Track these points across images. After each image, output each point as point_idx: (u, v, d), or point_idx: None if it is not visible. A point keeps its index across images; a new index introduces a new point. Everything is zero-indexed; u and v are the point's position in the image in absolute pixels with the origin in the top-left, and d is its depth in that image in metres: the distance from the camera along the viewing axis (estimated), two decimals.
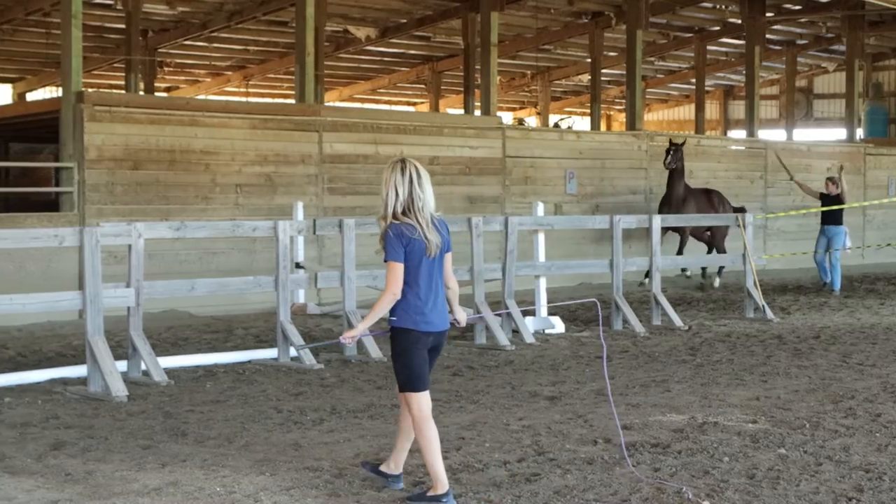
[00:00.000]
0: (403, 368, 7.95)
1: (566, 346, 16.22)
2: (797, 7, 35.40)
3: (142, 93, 31.37)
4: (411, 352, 7.93)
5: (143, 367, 13.23)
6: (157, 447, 9.73)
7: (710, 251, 25.86)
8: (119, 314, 14.13)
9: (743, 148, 32.58)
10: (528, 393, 12.46)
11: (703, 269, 25.41)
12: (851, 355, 15.27)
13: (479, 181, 24.71)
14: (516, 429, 10.45)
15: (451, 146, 24.26)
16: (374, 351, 14.70)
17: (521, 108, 49.36)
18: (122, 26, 29.75)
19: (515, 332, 16.69)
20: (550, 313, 18.00)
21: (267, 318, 18.61)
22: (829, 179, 24.71)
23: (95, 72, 35.55)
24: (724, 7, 34.77)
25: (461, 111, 34.67)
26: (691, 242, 25.69)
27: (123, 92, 31.03)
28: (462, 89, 34.09)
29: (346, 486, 8.35)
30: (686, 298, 23.08)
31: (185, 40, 32.96)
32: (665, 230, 22.03)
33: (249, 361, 14.59)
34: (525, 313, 17.16)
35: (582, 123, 48.06)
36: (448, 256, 8.11)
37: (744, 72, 36.15)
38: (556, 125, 42.90)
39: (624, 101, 35.84)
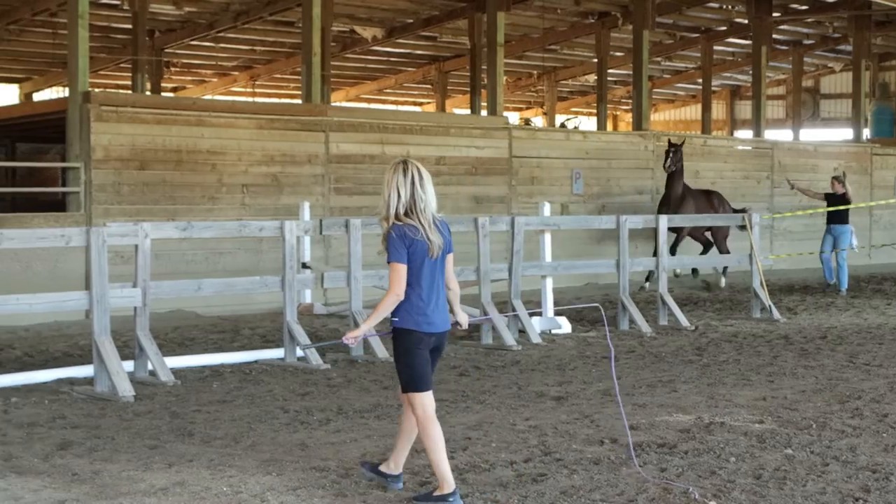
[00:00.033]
0: (406, 369, 7.96)
1: (573, 347, 16.22)
2: (804, 7, 35.37)
3: (148, 93, 31.38)
4: (413, 352, 7.93)
5: (150, 367, 13.24)
6: (164, 447, 9.74)
7: (704, 251, 25.82)
8: (126, 314, 14.14)
9: (749, 148, 32.56)
10: (535, 393, 12.46)
11: (694, 269, 25.32)
12: (858, 355, 15.25)
13: (485, 181, 24.71)
14: (523, 429, 10.45)
15: (458, 146, 24.27)
16: (381, 351, 14.70)
17: (527, 109, 49.37)
18: (129, 26, 29.78)
19: (522, 332, 16.68)
20: (555, 314, 18.00)
21: (273, 318, 18.62)
22: (835, 178, 24.68)
23: (102, 72, 35.58)
24: (730, 7, 34.78)
25: (467, 111, 34.65)
26: (687, 242, 25.66)
27: (130, 92, 31.08)
28: (468, 89, 34.04)
29: (353, 486, 8.36)
30: (692, 298, 23.07)
31: (192, 40, 32.99)
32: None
33: (256, 361, 14.60)
34: (530, 314, 17.15)
35: (588, 123, 48.01)
36: (450, 257, 8.11)
37: (750, 72, 36.14)
38: (563, 125, 42.84)
39: (630, 101, 35.84)
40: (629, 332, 17.74)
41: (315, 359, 14.25)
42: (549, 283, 17.92)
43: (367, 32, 33.56)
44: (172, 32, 32.57)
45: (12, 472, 8.84)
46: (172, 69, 36.64)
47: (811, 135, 45.79)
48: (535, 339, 16.42)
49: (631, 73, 32.02)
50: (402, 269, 7.83)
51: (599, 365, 14.42)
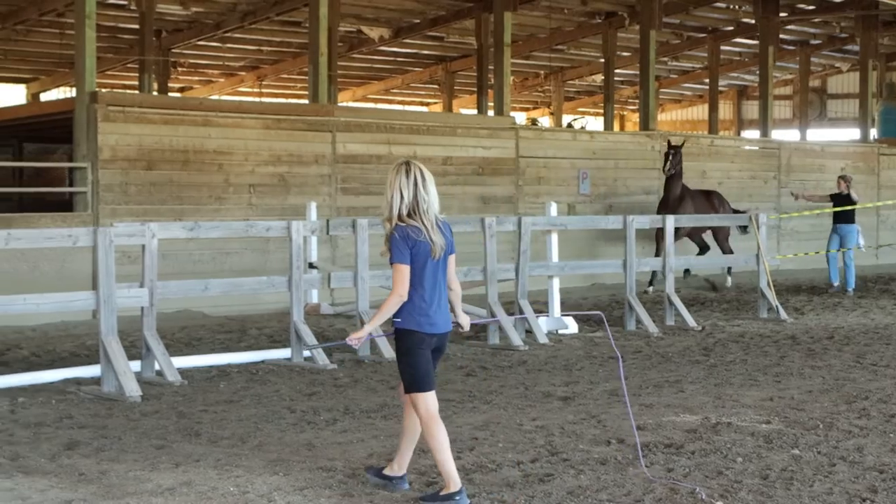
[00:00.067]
0: (408, 369, 7.97)
1: (579, 347, 16.21)
2: (811, 7, 35.34)
3: (155, 93, 31.45)
4: (415, 353, 7.95)
5: (157, 367, 13.25)
6: (171, 447, 9.75)
7: (701, 253, 25.76)
8: (133, 314, 14.15)
9: (756, 148, 32.53)
10: (542, 393, 12.45)
11: (686, 270, 25.18)
12: (865, 356, 15.24)
13: (492, 181, 24.71)
14: (529, 429, 10.44)
15: (465, 146, 24.27)
16: (388, 351, 14.69)
17: (534, 109, 49.37)
18: (136, 26, 29.82)
19: (529, 332, 16.68)
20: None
21: (280, 319, 18.63)
22: (841, 178, 24.63)
23: (109, 72, 35.60)
24: (737, 7, 34.75)
25: (474, 111, 34.67)
26: (684, 244, 25.62)
27: (137, 92, 31.13)
28: (475, 89, 34.11)
29: (360, 487, 8.36)
30: (699, 299, 23.06)
31: (199, 40, 33.01)
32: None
33: (263, 361, 14.61)
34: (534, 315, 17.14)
35: (595, 123, 48.03)
36: (452, 258, 8.12)
37: (757, 72, 36.14)
38: (570, 125, 42.88)
39: (637, 101, 35.89)
40: (636, 333, 17.73)
41: (322, 359, 14.25)
42: (556, 284, 17.91)
43: (373, 32, 33.58)
44: (179, 32, 32.61)
45: (19, 472, 8.85)
46: (179, 69, 36.68)
47: (818, 135, 45.78)
48: (542, 340, 16.42)
49: (638, 73, 32.00)
50: (405, 270, 7.84)
51: (606, 365, 14.41)
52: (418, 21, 33.44)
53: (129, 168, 19.62)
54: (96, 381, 12.84)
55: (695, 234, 25.49)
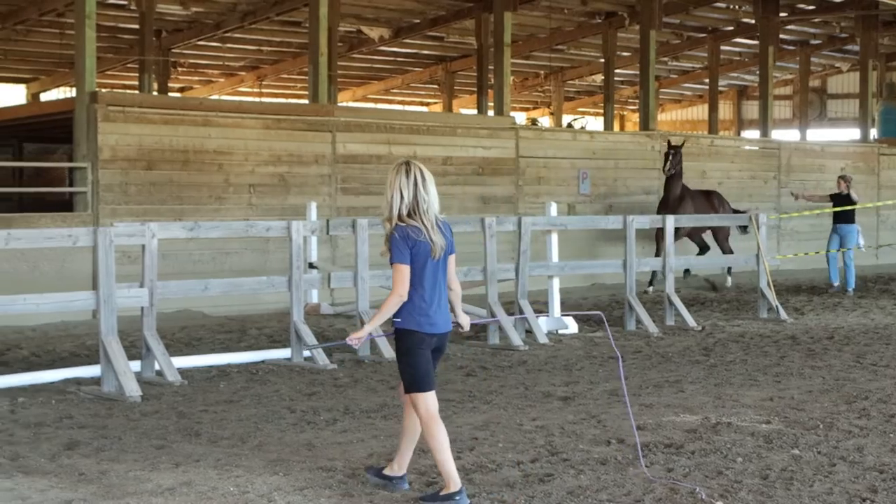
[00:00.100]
0: (408, 369, 7.98)
1: (579, 347, 16.22)
2: (811, 7, 35.34)
3: (155, 93, 31.44)
4: (415, 353, 7.96)
5: (157, 367, 13.25)
6: (171, 447, 9.75)
7: (700, 254, 25.74)
8: (133, 314, 14.15)
9: (756, 148, 32.53)
10: (542, 393, 12.46)
11: (686, 270, 25.14)
12: (865, 356, 15.24)
13: (492, 181, 24.71)
14: (529, 429, 10.45)
15: (465, 146, 24.27)
16: (388, 351, 14.69)
17: (534, 109, 49.37)
18: (136, 26, 29.82)
19: (529, 332, 16.68)
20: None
21: (280, 319, 18.63)
22: (841, 178, 24.62)
23: (109, 72, 35.61)
24: (737, 7, 34.75)
25: (474, 111, 34.67)
26: (682, 244, 25.62)
27: (137, 92, 31.13)
28: (475, 89, 34.11)
29: (360, 486, 8.36)
30: (699, 299, 23.06)
31: (199, 40, 33.01)
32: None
33: (263, 361, 14.61)
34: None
35: (595, 123, 48.03)
36: (451, 258, 8.13)
37: (757, 72, 36.14)
38: (570, 125, 42.88)
39: (637, 101, 35.90)
40: (636, 333, 17.73)
41: (322, 359, 14.26)
42: (556, 284, 17.91)
43: (373, 32, 33.58)
44: (179, 32, 32.61)
45: (19, 472, 8.85)
46: (179, 69, 36.68)
47: (818, 135, 45.78)
48: (542, 340, 16.42)
49: (638, 73, 32.00)
50: (405, 270, 7.85)
51: (606, 365, 14.41)
52: (418, 21, 33.45)
53: (129, 168, 19.63)
54: (96, 381, 12.84)
55: (694, 234, 25.48)
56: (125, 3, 28.31)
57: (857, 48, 38.22)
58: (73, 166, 19.92)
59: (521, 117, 45.17)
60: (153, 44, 30.55)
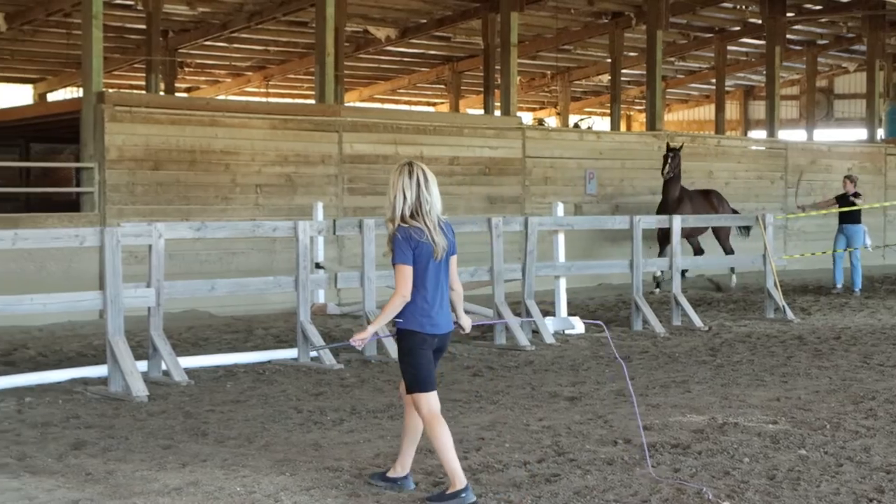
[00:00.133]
0: (410, 369, 8.00)
1: (586, 347, 16.20)
2: (818, 7, 35.31)
3: (162, 93, 31.45)
4: (417, 353, 7.98)
5: (164, 367, 13.26)
6: (178, 447, 9.75)
7: (696, 254, 25.68)
8: (139, 314, 14.15)
9: (763, 148, 32.52)
10: (548, 393, 12.45)
11: (683, 271, 25.00)
12: (872, 356, 15.22)
13: (498, 181, 24.71)
14: (536, 429, 10.44)
15: (471, 146, 24.28)
16: (394, 351, 14.59)
17: (540, 109, 49.35)
18: (143, 27, 29.84)
19: (535, 332, 16.67)
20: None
21: (287, 319, 18.64)
22: (847, 178, 24.58)
23: (116, 72, 35.65)
24: (744, 7, 34.72)
25: (481, 111, 34.70)
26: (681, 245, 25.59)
27: (144, 92, 31.14)
28: (482, 90, 34.12)
29: (366, 487, 8.36)
30: (706, 299, 23.05)
31: (206, 41, 33.02)
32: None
33: (269, 361, 14.61)
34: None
35: (602, 124, 48.04)
36: (453, 259, 8.16)
37: (764, 72, 36.11)
38: (576, 125, 42.86)
39: (644, 101, 35.84)
40: (643, 333, 17.72)
41: (328, 359, 14.26)
42: (563, 284, 17.91)
43: (380, 32, 33.59)
44: (186, 33, 32.62)
45: (26, 472, 8.86)
46: (186, 69, 36.71)
47: (825, 135, 45.71)
48: (549, 340, 16.41)
49: (644, 73, 32.01)
50: (408, 271, 7.88)
51: (613, 366, 14.40)
52: (425, 21, 33.44)
53: (136, 168, 19.64)
54: (103, 381, 12.85)
55: (694, 235, 25.42)
56: (132, 3, 28.34)
57: (864, 48, 38.21)
58: (80, 166, 19.94)
59: (527, 117, 45.15)
60: (160, 44, 30.57)
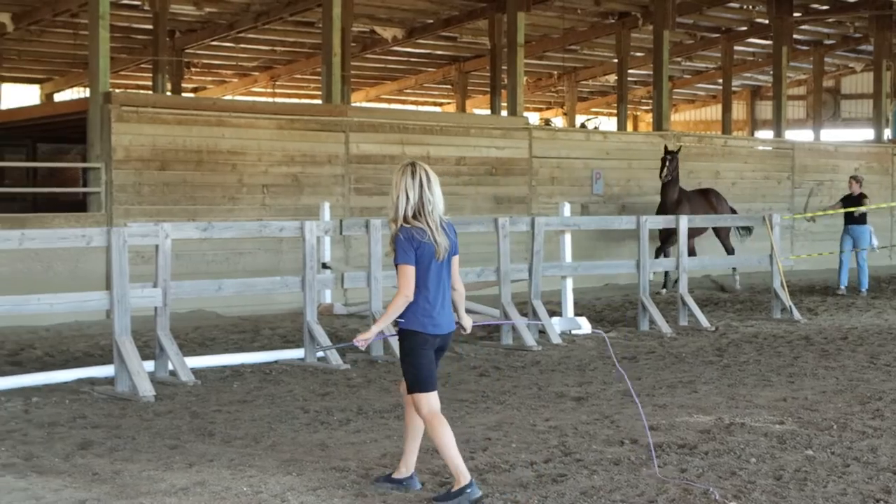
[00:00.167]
0: (411, 369, 8.03)
1: (593, 347, 16.20)
2: (825, 7, 35.28)
3: (169, 93, 31.48)
4: (419, 353, 8.00)
5: (171, 367, 13.26)
6: (184, 447, 9.76)
7: (689, 255, 25.60)
8: (146, 314, 14.17)
9: (770, 148, 32.48)
10: (555, 393, 12.45)
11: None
12: (879, 356, 15.21)
13: (505, 181, 24.71)
14: (543, 429, 10.44)
15: (478, 146, 24.27)
16: None
17: (547, 109, 49.36)
18: (150, 27, 29.87)
19: (542, 332, 16.66)
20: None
21: (294, 319, 18.65)
22: (853, 178, 24.54)
23: (123, 72, 35.68)
24: (751, 7, 34.71)
25: (488, 111, 34.66)
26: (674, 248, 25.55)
27: (150, 92, 31.20)
28: (489, 90, 34.09)
29: (373, 487, 8.36)
30: (713, 299, 23.04)
31: (212, 41, 33.05)
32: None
33: (276, 361, 14.62)
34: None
35: (608, 124, 48.01)
36: (455, 259, 8.19)
37: (771, 72, 36.05)
38: (583, 125, 42.84)
39: (651, 101, 35.83)
40: (649, 333, 17.71)
41: (335, 359, 14.26)
42: (570, 284, 17.90)
43: (387, 33, 33.61)
44: (193, 33, 32.65)
45: (33, 472, 8.87)
46: (193, 69, 36.75)
47: (832, 135, 45.67)
48: (556, 340, 16.41)
49: (651, 73, 31.96)
50: (411, 271, 7.91)
51: (620, 365, 14.38)
52: (431, 21, 33.45)
53: (143, 168, 19.65)
54: (110, 380, 12.86)
55: (693, 236, 25.33)
56: (139, 3, 28.36)
57: (870, 48, 38.18)
58: (87, 167, 19.96)
59: (534, 117, 45.15)
60: (167, 44, 30.61)
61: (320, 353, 14.40)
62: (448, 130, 23.90)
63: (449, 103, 44.87)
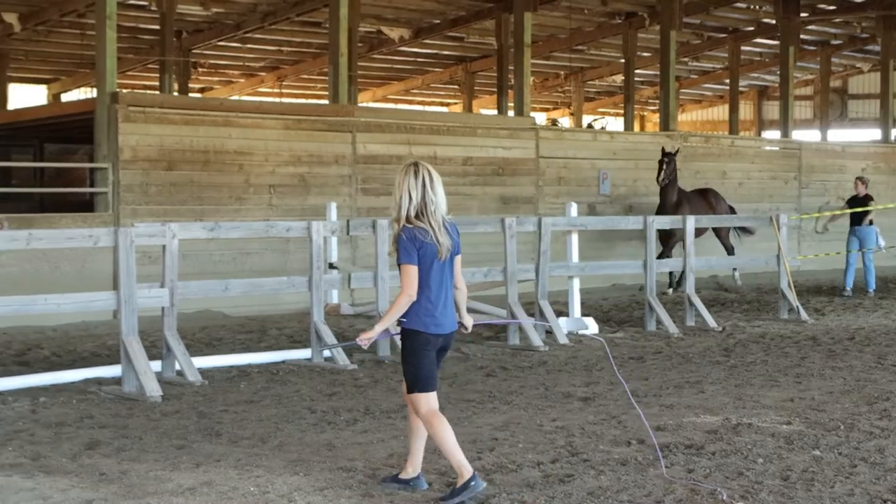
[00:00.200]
0: (412, 369, 8.06)
1: (599, 347, 16.17)
2: (832, 7, 35.27)
3: (176, 93, 31.49)
4: (420, 353, 8.03)
5: (178, 367, 13.28)
6: (191, 447, 9.76)
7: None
8: (153, 314, 14.18)
9: (777, 148, 32.46)
10: (562, 394, 12.44)
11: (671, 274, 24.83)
12: (886, 357, 15.19)
13: (512, 182, 24.70)
14: (550, 429, 10.44)
15: (485, 147, 24.28)
16: None
17: (554, 109, 49.33)
18: (157, 27, 29.87)
19: (549, 332, 16.65)
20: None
21: (300, 319, 18.65)
22: (859, 179, 24.51)
23: (130, 73, 35.71)
24: (758, 7, 34.67)
25: (494, 112, 34.68)
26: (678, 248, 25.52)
27: (157, 93, 31.17)
28: (495, 90, 34.10)
29: (380, 487, 8.36)
30: (720, 299, 23.02)
31: (219, 41, 33.06)
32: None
33: (283, 362, 14.62)
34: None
35: (615, 124, 48.01)
36: (457, 259, 8.22)
37: (778, 72, 36.06)
38: (590, 126, 42.84)
39: (657, 101, 35.75)
40: (656, 333, 17.71)
41: (342, 359, 14.27)
42: (576, 284, 17.89)
43: (393, 33, 33.61)
44: (200, 33, 32.66)
45: (40, 472, 8.88)
46: (200, 70, 36.76)
47: (839, 135, 45.62)
48: (562, 340, 16.40)
49: (658, 73, 31.95)
50: (413, 271, 7.93)
51: (626, 366, 14.39)
52: (438, 21, 33.44)
53: (150, 168, 19.67)
54: (117, 381, 12.88)
55: (695, 236, 25.28)
56: (146, 3, 28.36)
57: (878, 48, 38.15)
58: (94, 167, 19.98)
59: (541, 118, 45.12)
60: (174, 44, 30.60)
61: (327, 353, 14.40)
62: (455, 131, 23.90)
63: (456, 103, 44.86)
